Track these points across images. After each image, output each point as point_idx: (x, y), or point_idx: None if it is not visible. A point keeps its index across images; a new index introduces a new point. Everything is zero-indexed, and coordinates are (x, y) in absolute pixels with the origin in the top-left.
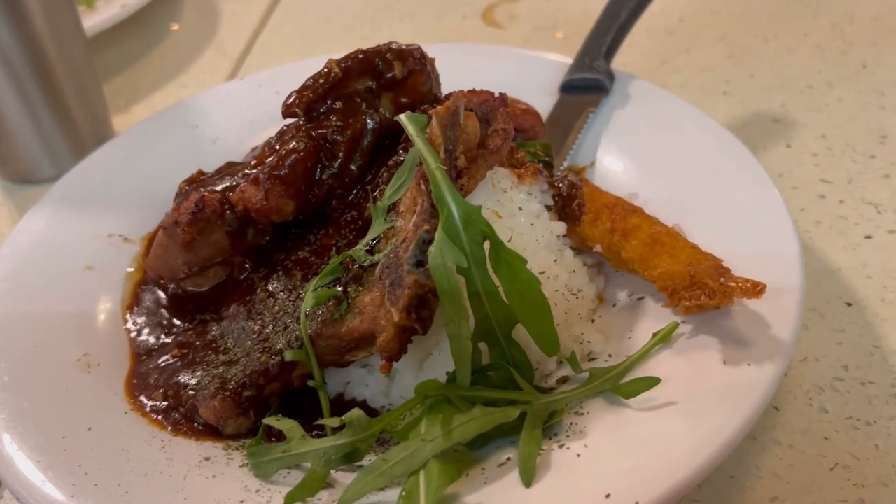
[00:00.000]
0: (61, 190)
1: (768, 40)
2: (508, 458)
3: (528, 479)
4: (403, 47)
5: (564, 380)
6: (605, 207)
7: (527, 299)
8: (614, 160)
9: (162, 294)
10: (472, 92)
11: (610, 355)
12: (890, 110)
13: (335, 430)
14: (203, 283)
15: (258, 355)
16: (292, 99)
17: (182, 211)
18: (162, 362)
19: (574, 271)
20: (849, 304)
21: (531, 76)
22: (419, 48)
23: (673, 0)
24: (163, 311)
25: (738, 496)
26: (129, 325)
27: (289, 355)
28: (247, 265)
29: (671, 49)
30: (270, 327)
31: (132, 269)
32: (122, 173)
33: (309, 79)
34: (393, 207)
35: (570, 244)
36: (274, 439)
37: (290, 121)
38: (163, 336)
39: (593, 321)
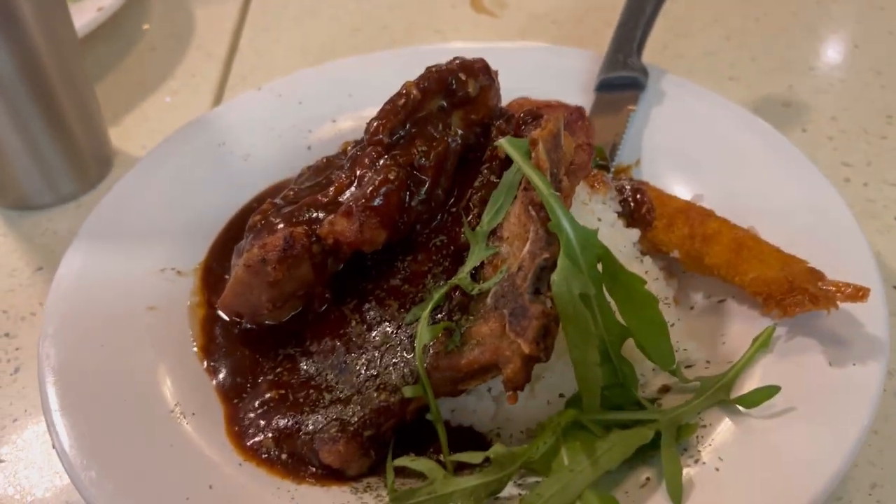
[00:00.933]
0: (93, 227)
1: (760, 20)
2: (648, 478)
3: (678, 498)
4: (473, 63)
5: (666, 389)
6: (679, 212)
7: (644, 318)
8: (660, 159)
9: (235, 330)
10: (548, 106)
11: (708, 362)
12: (889, 89)
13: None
14: (281, 316)
15: (375, 393)
16: (375, 127)
17: (269, 248)
18: (260, 405)
19: (657, 278)
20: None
21: (560, 72)
22: (483, 62)
23: None
24: (241, 348)
25: (839, 487)
26: (209, 366)
27: (408, 392)
28: (327, 295)
29: (670, 33)
30: (378, 362)
31: (190, 304)
32: (155, 201)
33: (387, 103)
34: (493, 232)
35: (642, 249)
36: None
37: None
38: (249, 375)
39: (672, 325)
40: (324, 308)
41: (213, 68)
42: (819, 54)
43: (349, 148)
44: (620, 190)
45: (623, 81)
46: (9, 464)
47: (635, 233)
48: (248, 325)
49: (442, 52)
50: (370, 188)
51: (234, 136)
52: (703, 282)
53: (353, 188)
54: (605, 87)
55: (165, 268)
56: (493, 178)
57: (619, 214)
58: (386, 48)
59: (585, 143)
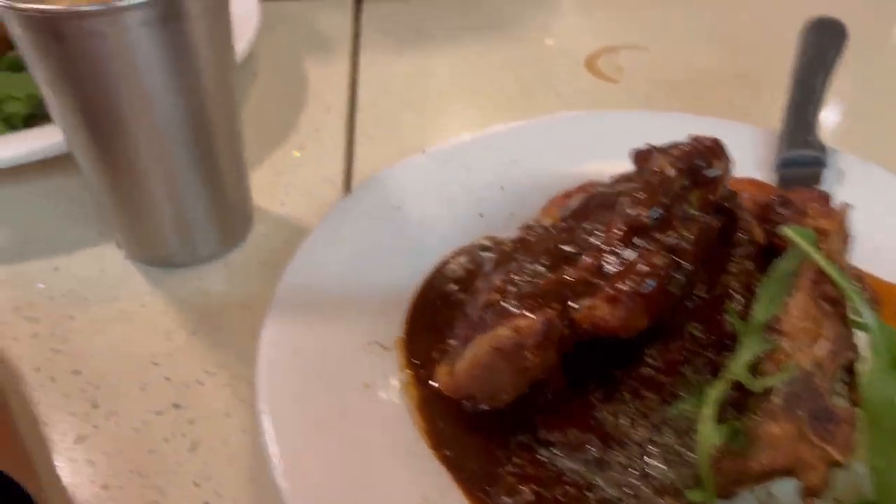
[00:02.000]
0: (286, 296)
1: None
2: None
3: None
4: (712, 144)
5: None
6: None
7: None
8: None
9: (453, 412)
10: (796, 192)
11: None
12: None
13: None
14: (508, 400)
15: (658, 498)
16: (636, 206)
17: (526, 333)
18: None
19: None
20: None
21: (740, 149)
22: (720, 142)
23: (727, 49)
24: (469, 433)
25: None
26: (440, 453)
27: (694, 496)
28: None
29: (746, 95)
30: (647, 460)
31: (400, 382)
32: (341, 267)
33: (643, 181)
34: (767, 325)
35: None
36: None
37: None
38: (483, 465)
39: None
40: (553, 394)
41: (336, 123)
42: None
43: (561, 222)
44: None
45: (805, 159)
46: None
47: None
48: (472, 409)
49: (597, 119)
50: (638, 273)
51: (408, 199)
52: None
53: (605, 269)
54: (787, 164)
55: (371, 341)
56: (747, 263)
57: None
58: (506, 111)
59: (843, 235)
